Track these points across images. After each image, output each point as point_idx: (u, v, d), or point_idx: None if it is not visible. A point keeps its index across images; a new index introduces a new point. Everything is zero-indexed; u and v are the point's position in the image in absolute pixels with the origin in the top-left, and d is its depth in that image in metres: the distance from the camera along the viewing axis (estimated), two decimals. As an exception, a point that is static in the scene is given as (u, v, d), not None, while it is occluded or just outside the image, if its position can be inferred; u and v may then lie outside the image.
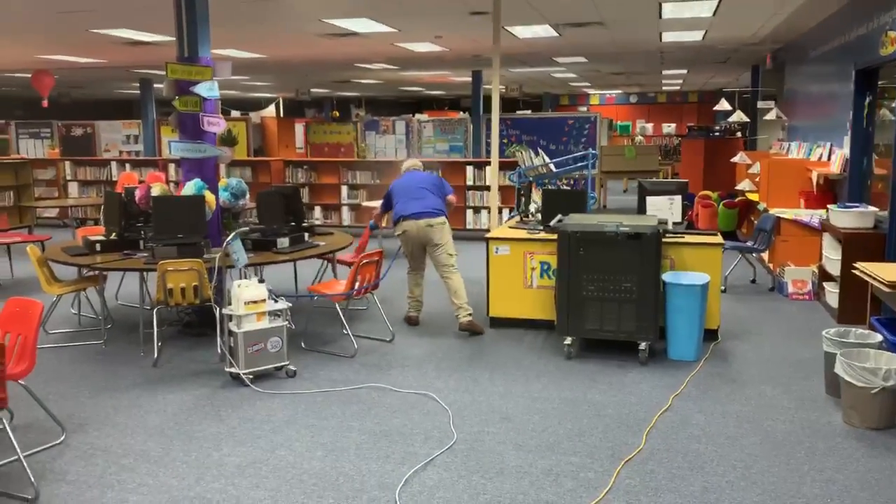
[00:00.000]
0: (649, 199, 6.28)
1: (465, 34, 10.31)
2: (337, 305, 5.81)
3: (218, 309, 5.34)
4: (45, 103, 13.29)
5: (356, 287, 5.64)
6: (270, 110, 23.77)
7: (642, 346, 5.27)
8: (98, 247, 5.88)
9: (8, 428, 3.52)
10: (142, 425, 4.29)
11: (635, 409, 4.47)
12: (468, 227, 11.44)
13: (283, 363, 5.10)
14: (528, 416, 4.37)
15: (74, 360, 5.51)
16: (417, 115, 15.61)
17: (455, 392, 4.77)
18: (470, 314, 6.07)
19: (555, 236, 5.62)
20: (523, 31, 10.12)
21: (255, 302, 4.94)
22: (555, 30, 9.97)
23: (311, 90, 21.70)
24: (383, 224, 7.30)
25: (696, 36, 10.88)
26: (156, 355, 5.41)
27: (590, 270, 5.31)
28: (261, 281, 5.05)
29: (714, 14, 8.84)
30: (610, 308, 5.31)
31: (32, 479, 3.51)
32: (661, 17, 9.03)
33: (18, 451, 3.54)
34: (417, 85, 21.59)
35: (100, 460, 3.83)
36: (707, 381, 4.94)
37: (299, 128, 17.26)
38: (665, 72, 17.68)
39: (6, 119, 15.57)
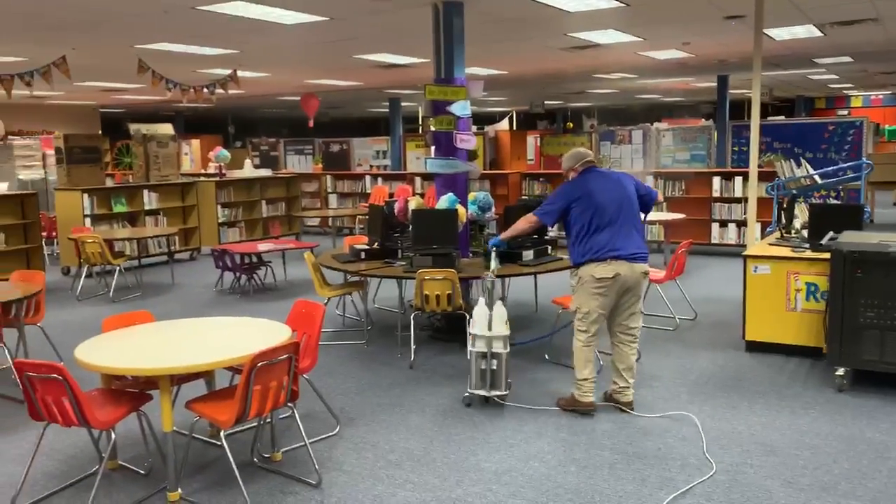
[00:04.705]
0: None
1: (715, 39, 9.83)
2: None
3: (468, 317, 5.55)
4: (310, 123, 14.79)
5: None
6: (503, 124, 24.37)
7: (934, 383, 4.65)
8: (363, 255, 6.40)
9: (297, 417, 3.95)
10: (404, 423, 4.58)
11: (928, 454, 3.94)
12: (713, 241, 10.83)
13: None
14: (796, 451, 4.03)
15: (341, 358, 6.05)
16: (656, 124, 15.13)
17: (710, 419, 4.53)
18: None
19: (824, 255, 5.15)
20: (781, 33, 9.42)
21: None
22: (819, 29, 9.15)
23: (545, 102, 21.94)
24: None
25: None
26: (412, 357, 5.77)
27: (868, 295, 4.78)
28: (501, 299, 5.15)
29: None
30: (892, 338, 4.74)
31: (316, 466, 3.90)
32: (953, 6, 7.92)
33: (306, 438, 3.96)
34: (654, 92, 20.95)
35: (369, 454, 4.16)
36: None
37: (531, 140, 17.51)
38: (949, 68, 15.48)
39: (276, 137, 17.57)
